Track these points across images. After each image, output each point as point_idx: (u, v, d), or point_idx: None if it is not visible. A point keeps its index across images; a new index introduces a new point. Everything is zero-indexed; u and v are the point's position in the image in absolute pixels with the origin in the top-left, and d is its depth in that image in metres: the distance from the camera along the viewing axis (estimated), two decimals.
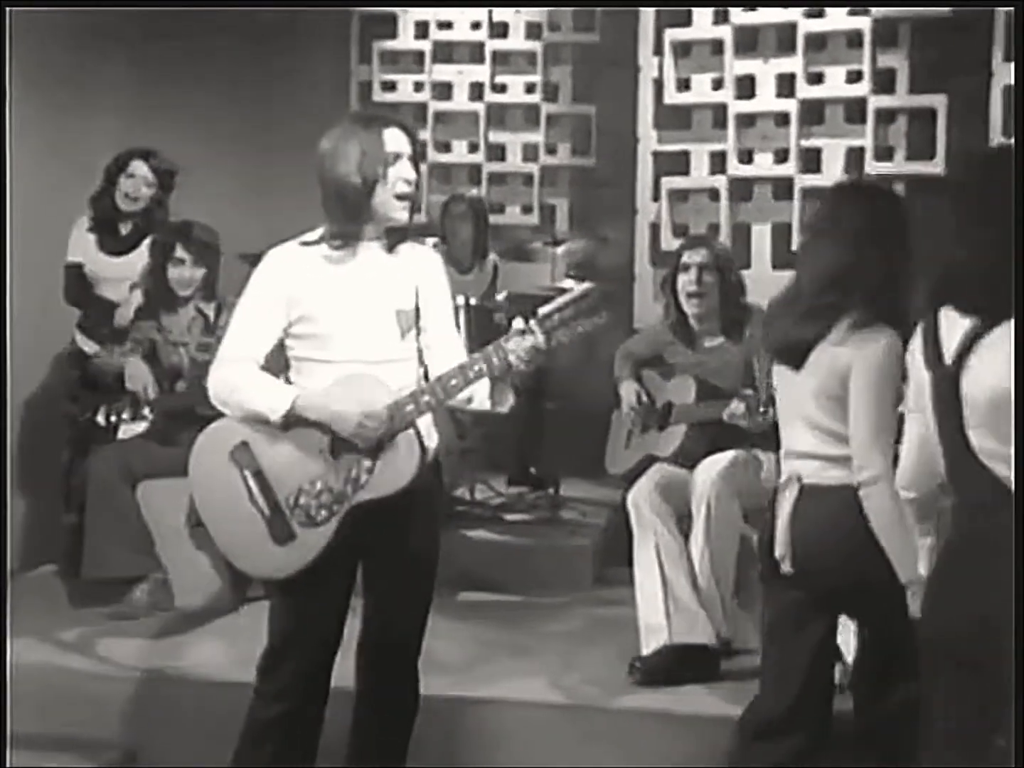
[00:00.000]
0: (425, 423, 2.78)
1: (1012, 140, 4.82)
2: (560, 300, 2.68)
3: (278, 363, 2.92)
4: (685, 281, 3.95)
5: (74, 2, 4.79)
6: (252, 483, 2.73)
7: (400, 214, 2.75)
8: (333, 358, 2.74)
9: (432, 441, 2.84)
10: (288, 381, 2.84)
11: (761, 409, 3.45)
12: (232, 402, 2.75)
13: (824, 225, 2.75)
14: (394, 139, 2.73)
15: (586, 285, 2.71)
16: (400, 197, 2.73)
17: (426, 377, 2.80)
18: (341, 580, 2.80)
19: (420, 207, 2.84)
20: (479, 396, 2.79)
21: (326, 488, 2.70)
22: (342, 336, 2.74)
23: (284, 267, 2.78)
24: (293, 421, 2.70)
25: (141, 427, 4.14)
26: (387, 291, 2.78)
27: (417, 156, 2.79)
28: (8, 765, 3.18)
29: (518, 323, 2.67)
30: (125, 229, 4.61)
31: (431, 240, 5.52)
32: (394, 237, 2.81)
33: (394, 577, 2.82)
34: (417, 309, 2.80)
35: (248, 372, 2.75)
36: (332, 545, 2.69)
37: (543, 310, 2.67)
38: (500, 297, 4.93)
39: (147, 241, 4.49)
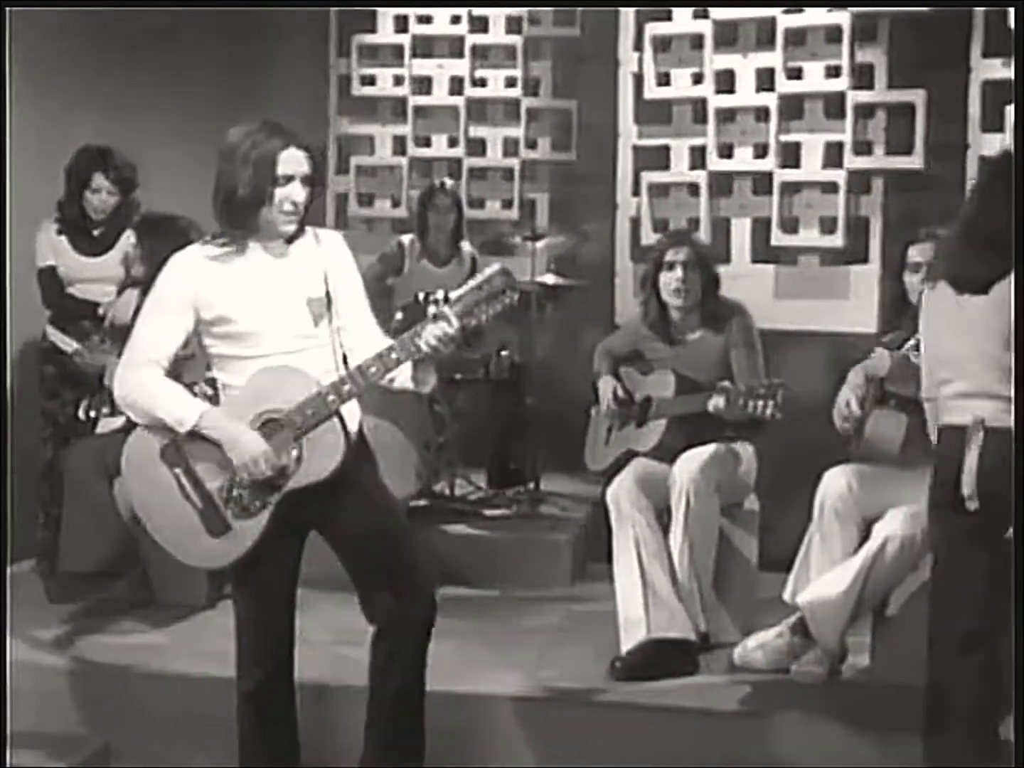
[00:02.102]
0: (347, 406, 2.84)
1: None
2: (468, 285, 2.79)
3: (199, 362, 2.96)
4: (669, 279, 3.95)
5: (73, 2, 4.77)
6: (184, 480, 2.81)
7: (285, 228, 2.84)
8: (252, 353, 2.82)
9: (354, 423, 2.89)
10: (212, 379, 2.92)
11: (740, 402, 3.45)
12: (138, 408, 2.83)
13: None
14: (288, 161, 2.79)
15: (493, 268, 2.80)
16: (285, 213, 2.81)
17: (344, 361, 2.88)
18: (284, 565, 2.88)
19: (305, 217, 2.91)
20: (401, 376, 2.86)
21: (256, 480, 2.77)
22: (257, 331, 2.82)
23: (187, 270, 2.84)
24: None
25: (119, 421, 4.12)
26: (295, 281, 2.86)
27: (314, 176, 2.85)
28: (8, 765, 3.19)
29: (431, 310, 2.77)
30: (97, 231, 4.61)
31: (407, 236, 5.51)
32: (298, 230, 2.87)
33: (355, 549, 2.91)
34: (328, 295, 2.87)
35: (155, 379, 2.82)
36: (268, 533, 2.78)
37: (452, 295, 2.78)
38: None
39: (123, 237, 4.53)
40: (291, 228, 2.83)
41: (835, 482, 3.47)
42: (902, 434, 3.48)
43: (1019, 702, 2.63)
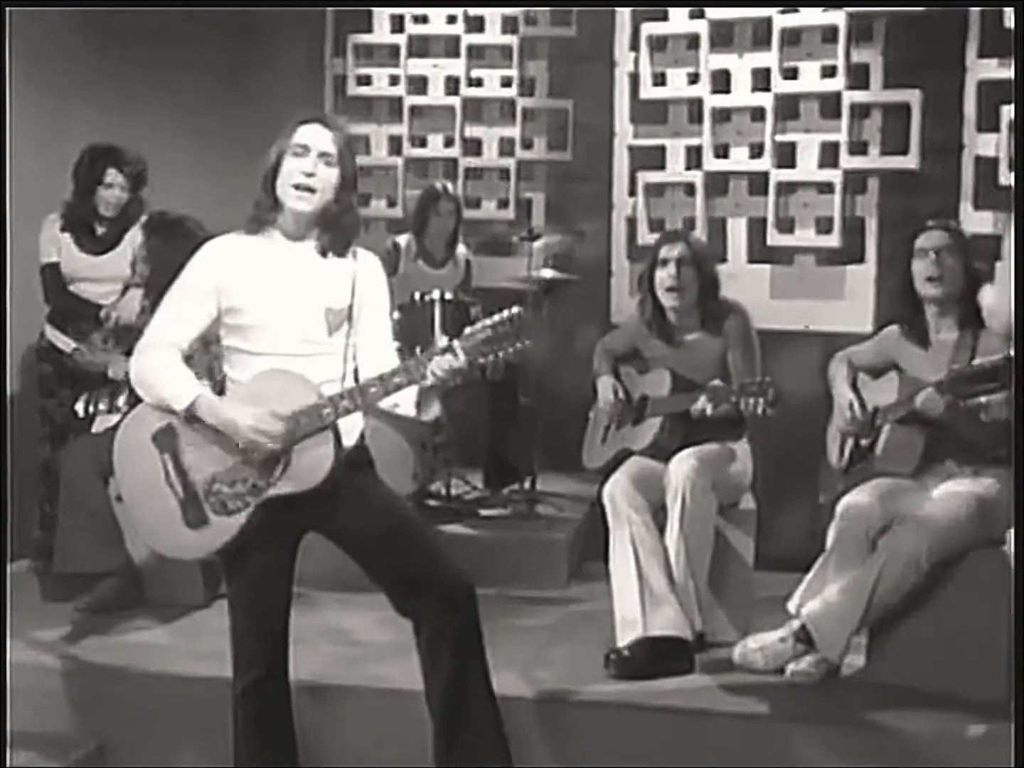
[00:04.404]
0: (348, 418, 2.83)
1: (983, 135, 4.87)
2: (485, 322, 2.75)
3: (201, 358, 2.96)
4: (663, 276, 3.94)
5: (74, 2, 4.77)
6: (170, 466, 2.82)
7: (295, 203, 2.83)
8: (260, 350, 2.83)
9: (355, 433, 2.90)
10: (220, 371, 2.93)
11: (732, 399, 3.44)
12: (147, 387, 2.84)
13: None
14: (308, 134, 2.82)
15: (513, 310, 2.76)
16: (296, 187, 2.81)
17: (355, 376, 2.90)
18: (277, 565, 2.86)
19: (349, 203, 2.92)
20: (405, 403, 2.86)
21: (241, 479, 2.78)
22: (269, 329, 2.83)
23: (216, 258, 2.87)
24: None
25: (115, 419, 4.12)
26: (318, 289, 2.87)
27: (341, 156, 2.84)
28: (9, 765, 3.19)
29: (442, 341, 2.75)
30: (101, 228, 4.61)
31: (403, 236, 5.51)
32: (336, 242, 2.88)
33: (365, 551, 2.90)
34: (351, 308, 2.88)
35: (167, 359, 2.83)
36: (246, 533, 2.77)
37: (468, 330, 2.75)
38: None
39: (128, 236, 4.54)
40: (301, 205, 2.81)
41: (856, 506, 3.44)
42: (919, 453, 3.48)
43: (1019, 701, 2.62)
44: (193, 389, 2.79)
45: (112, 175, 4.52)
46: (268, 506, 2.78)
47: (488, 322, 2.75)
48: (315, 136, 2.82)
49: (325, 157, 2.81)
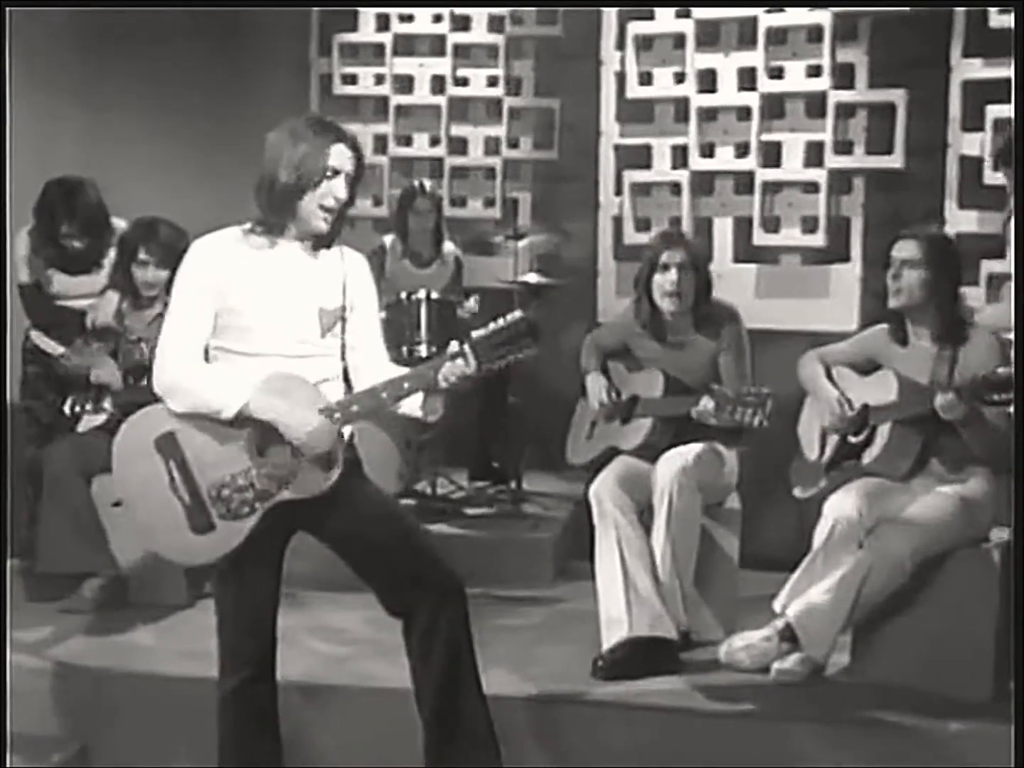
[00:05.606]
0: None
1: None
2: (492, 327, 2.77)
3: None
4: (663, 281, 3.92)
5: (73, 2, 4.75)
6: (175, 472, 2.79)
7: (319, 224, 2.83)
8: (252, 350, 2.81)
9: (345, 433, 2.88)
10: None
11: (730, 408, 3.44)
12: (180, 394, 2.79)
13: None
14: (339, 155, 2.81)
15: (517, 314, 2.78)
16: (324, 208, 2.81)
17: (344, 375, 2.90)
18: (268, 566, 2.86)
19: (344, 220, 2.93)
20: (409, 404, 2.87)
21: (249, 484, 2.77)
22: (263, 330, 2.81)
23: (213, 256, 2.84)
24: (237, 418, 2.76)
25: (100, 419, 4.11)
26: (311, 289, 2.86)
27: (358, 177, 2.86)
28: (8, 765, 3.19)
29: (453, 346, 2.77)
30: (75, 252, 4.56)
31: (388, 237, 5.50)
32: (323, 240, 2.88)
33: (356, 550, 2.90)
34: (343, 309, 2.88)
35: (196, 364, 2.81)
36: (253, 537, 2.76)
37: (476, 335, 2.76)
38: (471, 302, 4.96)
39: (108, 259, 4.52)
40: (324, 226, 2.82)
41: (844, 506, 3.43)
42: (915, 456, 3.48)
43: (1019, 701, 2.63)
44: (241, 394, 2.75)
45: (64, 228, 4.47)
46: (272, 510, 2.77)
47: (494, 326, 2.76)
48: (344, 160, 2.82)
49: (349, 179, 2.83)
